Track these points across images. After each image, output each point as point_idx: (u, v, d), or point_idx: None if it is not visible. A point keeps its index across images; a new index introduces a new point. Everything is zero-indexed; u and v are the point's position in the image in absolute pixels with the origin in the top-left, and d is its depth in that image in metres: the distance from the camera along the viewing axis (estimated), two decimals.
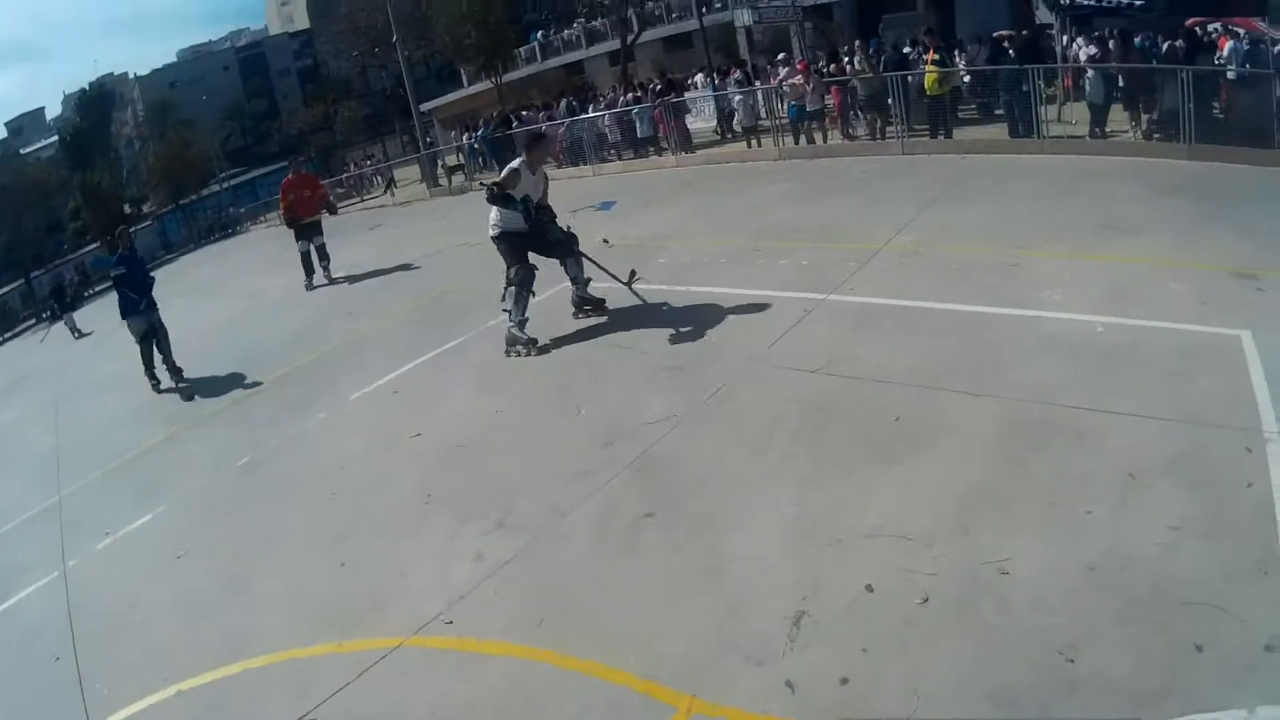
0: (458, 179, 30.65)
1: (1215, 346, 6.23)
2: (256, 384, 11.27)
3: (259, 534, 7.06)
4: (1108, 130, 14.88)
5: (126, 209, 77.84)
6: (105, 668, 5.95)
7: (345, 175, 46.28)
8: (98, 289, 58.27)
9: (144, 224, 78.91)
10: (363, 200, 37.09)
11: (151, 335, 11.65)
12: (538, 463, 6.61)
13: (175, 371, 11.68)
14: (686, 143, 21.66)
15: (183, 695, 5.30)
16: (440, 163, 32.67)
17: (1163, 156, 13.08)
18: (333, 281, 16.22)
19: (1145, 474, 4.82)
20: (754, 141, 19.97)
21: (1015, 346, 6.60)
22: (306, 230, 16.88)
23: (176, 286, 31.92)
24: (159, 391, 11.40)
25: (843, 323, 7.64)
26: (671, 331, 8.45)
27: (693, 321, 8.64)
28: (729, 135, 22.32)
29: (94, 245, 78.57)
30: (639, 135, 22.89)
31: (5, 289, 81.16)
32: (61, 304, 28.82)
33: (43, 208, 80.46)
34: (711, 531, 5.11)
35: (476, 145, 29.87)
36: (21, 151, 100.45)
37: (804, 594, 4.42)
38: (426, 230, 21.54)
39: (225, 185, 75.09)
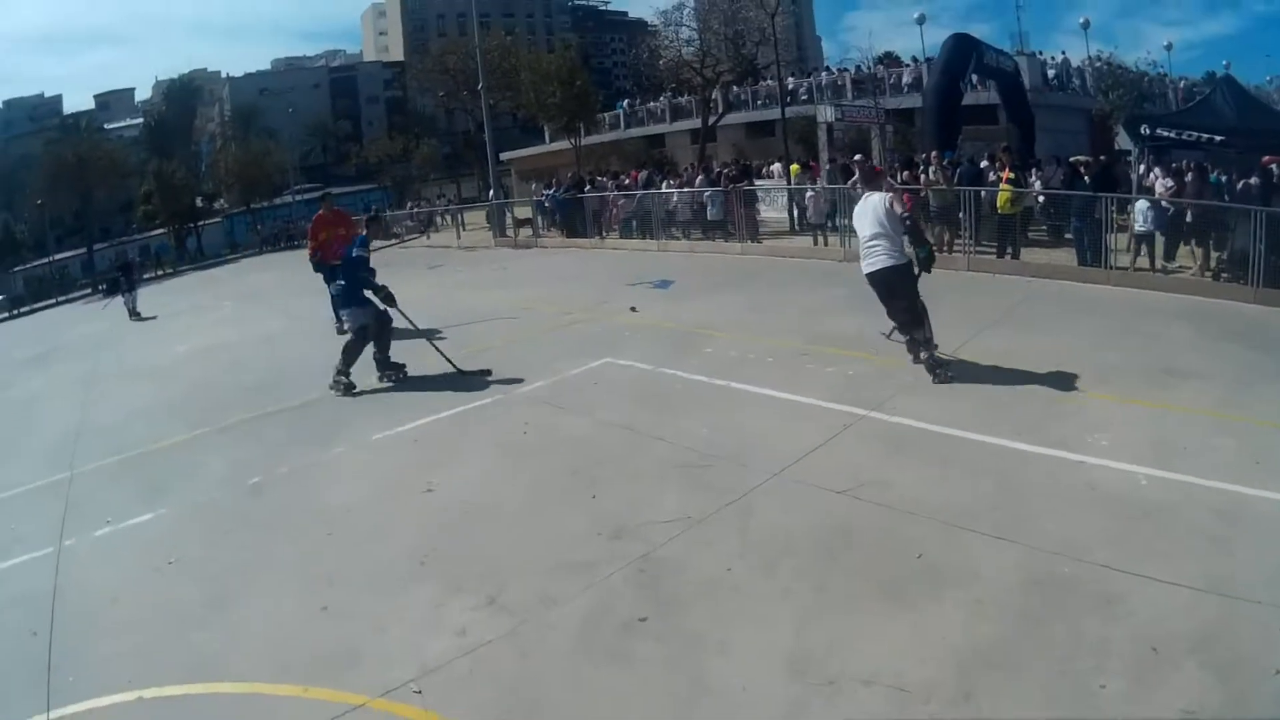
0: (525, 232, 30.88)
1: (1262, 513, 5.97)
2: (284, 404, 11.34)
3: (251, 558, 7.07)
4: (1174, 265, 14.78)
5: (199, 202, 79.85)
6: (76, 656, 6.00)
7: (414, 209, 47.22)
8: (155, 274, 59.70)
9: (213, 220, 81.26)
10: (428, 237, 37.48)
11: (369, 329, 11.65)
12: (541, 544, 6.54)
13: (394, 367, 11.63)
14: (754, 232, 21.66)
15: (143, 702, 5.30)
16: (510, 214, 33.00)
17: (1229, 298, 12.93)
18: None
19: (1169, 649, 4.56)
20: (821, 239, 19.94)
21: (1053, 492, 6.39)
22: (338, 275, 14.89)
23: (233, 288, 32.63)
24: (345, 394, 11.24)
25: (879, 443, 7.51)
26: (704, 428, 8.34)
27: (728, 420, 8.58)
28: (801, 229, 22.24)
29: (160, 230, 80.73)
30: (708, 217, 22.98)
31: (68, 255, 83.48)
32: (129, 281, 29.25)
33: (117, 185, 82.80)
34: (701, 652, 4.98)
35: (548, 204, 30.27)
36: (105, 126, 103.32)
37: None
38: (485, 278, 22.01)
39: (298, 198, 76.30)
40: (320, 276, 15.61)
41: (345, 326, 12.56)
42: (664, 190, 25.38)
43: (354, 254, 11.66)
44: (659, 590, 5.66)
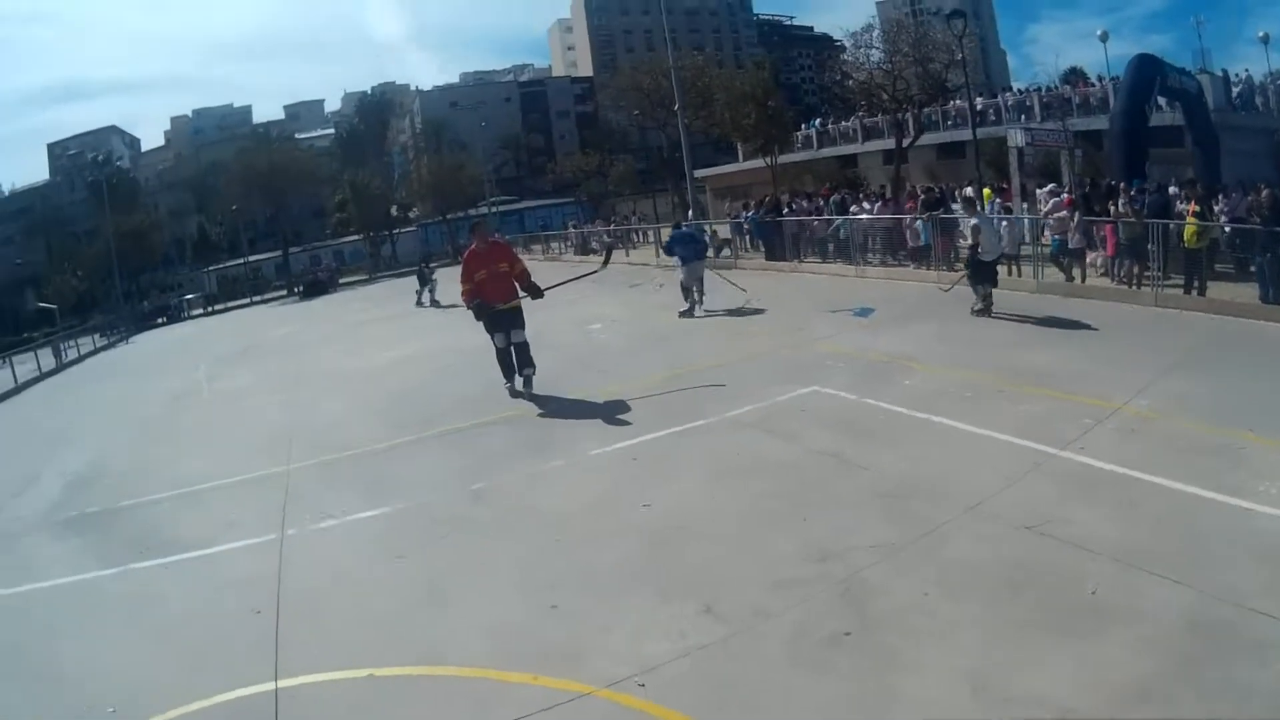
0: (725, 253, 31.01)
1: None
2: (495, 415, 12.17)
3: (476, 559, 7.74)
4: None
5: (394, 211, 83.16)
6: (302, 633, 6.71)
7: (613, 226, 47.63)
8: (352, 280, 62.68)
9: (408, 229, 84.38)
10: (627, 255, 38.28)
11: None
12: (753, 561, 6.99)
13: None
14: (950, 260, 21.61)
15: (374, 680, 5.90)
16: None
17: None
18: (533, 398, 12.93)
19: None
20: (1014, 269, 19.80)
21: (1221, 537, 6.51)
22: (501, 321, 13.05)
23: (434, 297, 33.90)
24: None
25: (1066, 482, 7.77)
26: (905, 460, 8.81)
27: (926, 453, 9.01)
28: (1010, 259, 22.12)
29: (355, 237, 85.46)
30: (911, 243, 22.96)
31: (262, 257, 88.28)
32: (426, 275, 32.42)
33: (310, 192, 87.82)
34: (895, 666, 5.32)
35: (746, 225, 30.61)
36: (296, 136, 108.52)
37: None
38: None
39: (493, 209, 78.42)
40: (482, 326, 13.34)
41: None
42: (864, 215, 25.41)
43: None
44: (861, 609, 6.03)
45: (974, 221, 16.51)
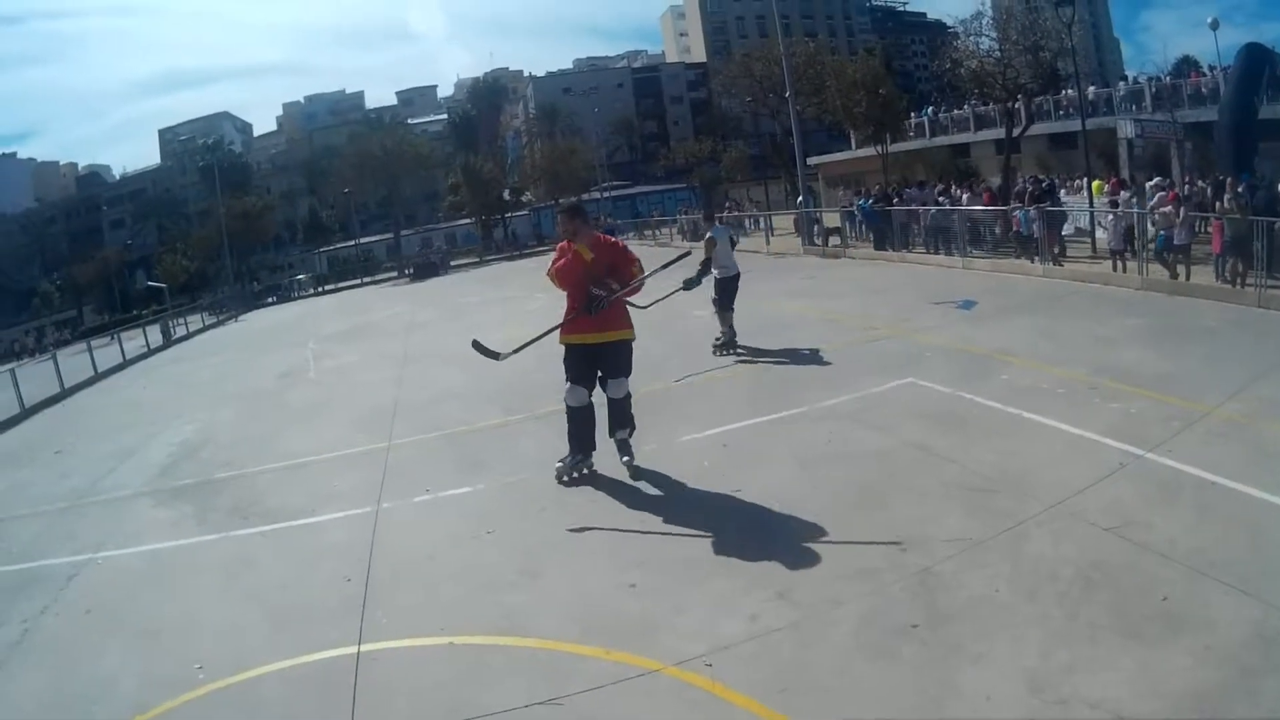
0: (834, 241, 31.33)
1: None
2: (599, 400, 12.20)
3: (564, 536, 7.96)
4: None
5: (506, 195, 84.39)
6: (388, 601, 7.06)
7: (727, 212, 47.73)
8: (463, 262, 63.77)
9: (520, 212, 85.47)
10: (734, 244, 38.23)
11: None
12: (831, 549, 7.08)
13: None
14: (1056, 253, 21.38)
15: (454, 648, 6.17)
16: (818, 223, 33.46)
17: None
18: (632, 470, 9.46)
19: None
20: (1120, 265, 19.53)
21: None
22: (588, 361, 9.27)
23: (543, 280, 34.46)
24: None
25: (1150, 485, 7.68)
26: (993, 455, 8.81)
27: (1015, 448, 8.98)
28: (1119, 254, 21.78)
29: (467, 220, 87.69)
30: (1016, 232, 22.77)
31: (374, 239, 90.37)
32: None
33: (422, 176, 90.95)
34: (959, 660, 5.36)
35: (857, 214, 30.68)
36: (409, 121, 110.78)
37: None
38: (794, 288, 22.94)
39: (606, 194, 78.79)
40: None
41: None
42: (970, 207, 25.26)
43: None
44: (932, 601, 6.08)
45: (709, 234, 15.60)
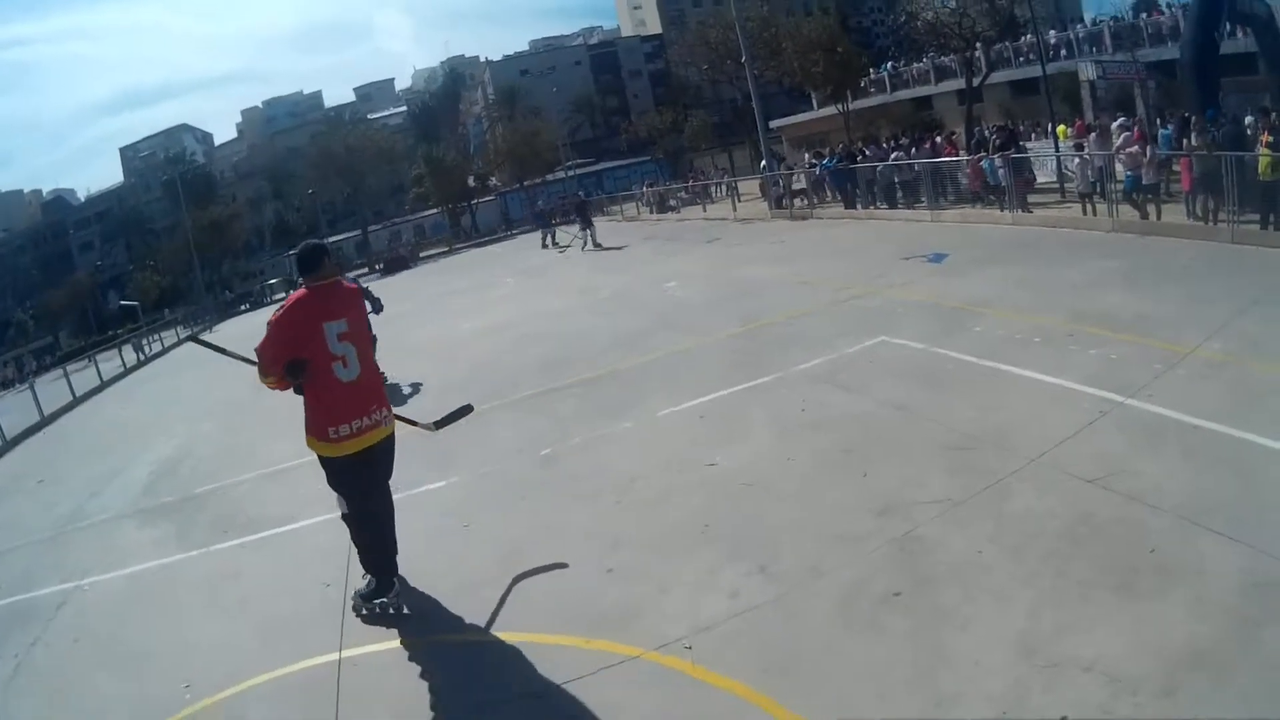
0: (800, 203, 31.20)
1: None
2: (571, 379, 12.35)
3: (541, 524, 7.90)
4: None
5: (471, 182, 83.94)
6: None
7: (691, 183, 47.74)
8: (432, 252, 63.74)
9: (486, 198, 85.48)
10: (704, 209, 38.63)
11: None
12: (811, 518, 7.01)
13: None
14: (1025, 201, 21.27)
15: (433, 647, 6.17)
16: (781, 185, 33.23)
17: None
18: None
19: None
20: (1089, 208, 19.37)
21: None
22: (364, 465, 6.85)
23: (512, 265, 34.33)
24: None
25: (1133, 432, 7.55)
26: (971, 410, 8.70)
27: (992, 403, 8.88)
28: (1066, 195, 21.79)
29: (433, 211, 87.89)
30: (987, 183, 22.58)
31: (341, 237, 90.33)
32: (585, 218, 34.44)
33: (386, 170, 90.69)
34: (945, 627, 5.28)
35: (821, 174, 30.41)
36: (369, 116, 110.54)
37: (1005, 708, 4.53)
38: (763, 253, 22.85)
39: (571, 174, 78.93)
40: None
41: None
42: (936, 159, 25.06)
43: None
44: (915, 567, 6.00)
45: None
